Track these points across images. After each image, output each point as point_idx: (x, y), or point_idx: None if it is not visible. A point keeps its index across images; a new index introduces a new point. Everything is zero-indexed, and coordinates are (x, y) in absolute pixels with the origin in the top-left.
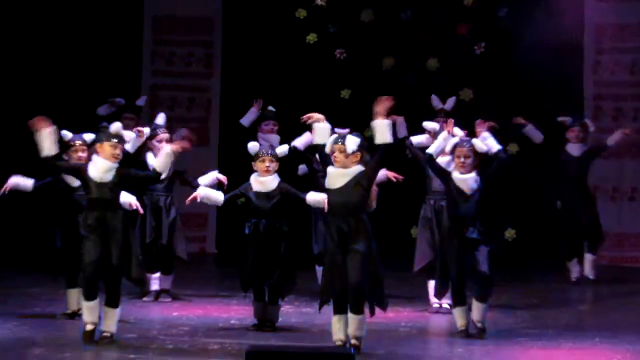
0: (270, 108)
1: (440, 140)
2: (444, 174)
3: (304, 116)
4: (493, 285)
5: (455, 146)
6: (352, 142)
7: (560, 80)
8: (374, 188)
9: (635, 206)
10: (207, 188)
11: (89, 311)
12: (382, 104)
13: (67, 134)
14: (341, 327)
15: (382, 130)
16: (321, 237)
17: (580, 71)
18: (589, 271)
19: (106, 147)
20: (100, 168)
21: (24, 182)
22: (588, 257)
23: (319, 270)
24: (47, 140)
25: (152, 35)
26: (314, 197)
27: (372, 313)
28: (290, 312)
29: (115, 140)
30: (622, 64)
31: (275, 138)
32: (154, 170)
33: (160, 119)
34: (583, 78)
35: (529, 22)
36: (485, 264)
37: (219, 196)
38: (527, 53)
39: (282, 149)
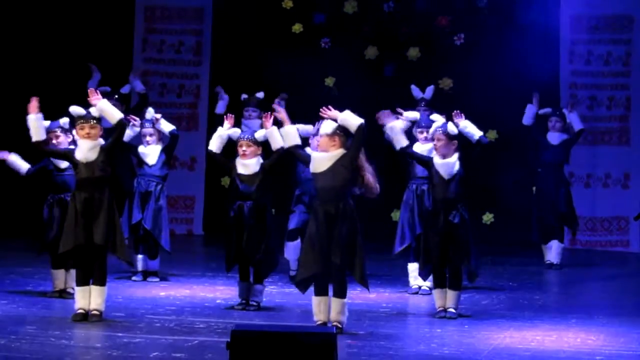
0: (258, 95)
1: (398, 132)
2: (426, 161)
3: (278, 112)
4: (462, 273)
5: (434, 131)
6: (328, 125)
7: (537, 69)
8: (368, 176)
9: (608, 192)
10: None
11: (81, 295)
12: (329, 114)
13: (45, 123)
14: (322, 309)
15: (348, 117)
16: (297, 216)
17: (557, 61)
18: (554, 257)
19: (78, 128)
20: (82, 148)
21: (19, 164)
22: (555, 244)
23: (289, 245)
24: (33, 126)
25: (143, 23)
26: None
27: (367, 288)
28: (274, 292)
29: (82, 121)
30: (597, 54)
31: (257, 123)
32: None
33: (148, 114)
34: (560, 67)
35: (507, 13)
36: (458, 252)
37: (213, 148)
38: (506, 43)
39: (261, 133)
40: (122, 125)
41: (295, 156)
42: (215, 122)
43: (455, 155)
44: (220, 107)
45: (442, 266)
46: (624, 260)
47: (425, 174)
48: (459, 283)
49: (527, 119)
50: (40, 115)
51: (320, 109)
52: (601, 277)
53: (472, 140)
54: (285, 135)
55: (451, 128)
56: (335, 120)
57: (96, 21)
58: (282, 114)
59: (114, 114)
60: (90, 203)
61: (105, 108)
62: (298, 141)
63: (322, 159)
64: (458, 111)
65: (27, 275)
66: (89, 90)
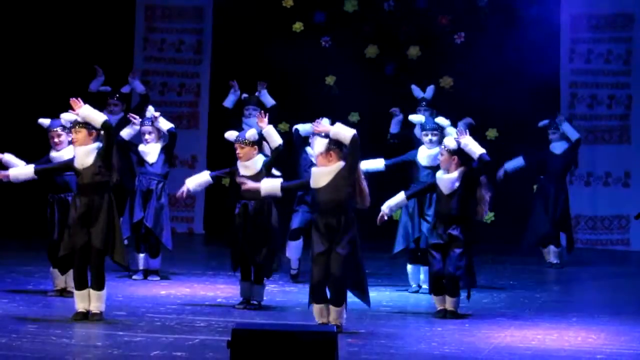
0: (258, 93)
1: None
2: (429, 187)
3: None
4: (459, 283)
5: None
6: (320, 143)
7: (537, 68)
8: (364, 186)
9: (608, 191)
10: (192, 178)
11: (80, 299)
12: (321, 128)
13: (45, 122)
14: (322, 313)
15: (340, 131)
16: (300, 216)
17: (557, 59)
18: (553, 259)
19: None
20: (77, 155)
21: (24, 173)
22: (552, 248)
23: (291, 244)
24: (20, 174)
25: (144, 22)
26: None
27: (368, 304)
28: (274, 291)
29: (76, 126)
30: (598, 53)
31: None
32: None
33: (148, 112)
34: (560, 66)
35: (508, 12)
36: (454, 263)
37: (205, 177)
38: (506, 42)
39: (251, 133)
40: (107, 127)
41: (293, 189)
42: (219, 117)
43: (457, 171)
44: (228, 101)
45: (441, 276)
46: (625, 259)
47: (428, 178)
48: (456, 290)
49: (520, 165)
50: (10, 167)
51: (312, 125)
52: (602, 276)
53: (474, 157)
54: (268, 190)
55: (448, 143)
56: (328, 135)
57: (97, 20)
58: (250, 183)
59: (97, 119)
60: (90, 207)
61: (87, 114)
62: (278, 181)
63: (322, 173)
64: (461, 128)
65: (27, 274)
66: (70, 100)
